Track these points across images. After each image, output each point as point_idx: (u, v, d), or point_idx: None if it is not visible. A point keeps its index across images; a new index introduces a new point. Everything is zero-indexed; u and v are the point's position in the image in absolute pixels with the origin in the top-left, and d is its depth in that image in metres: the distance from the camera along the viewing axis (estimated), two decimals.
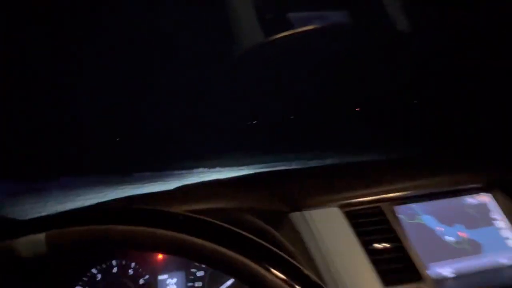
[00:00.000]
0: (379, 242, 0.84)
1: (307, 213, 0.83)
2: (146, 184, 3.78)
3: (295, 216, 0.83)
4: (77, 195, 3.39)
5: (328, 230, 0.81)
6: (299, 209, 0.84)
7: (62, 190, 3.71)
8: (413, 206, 0.96)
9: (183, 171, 5.00)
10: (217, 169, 4.95)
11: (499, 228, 0.96)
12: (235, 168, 5.00)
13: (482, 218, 0.98)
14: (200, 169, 5.00)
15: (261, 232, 0.77)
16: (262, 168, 5.11)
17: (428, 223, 0.95)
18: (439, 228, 0.94)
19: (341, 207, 0.85)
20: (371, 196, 0.89)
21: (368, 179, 0.93)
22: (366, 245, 0.81)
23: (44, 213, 3.21)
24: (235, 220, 0.81)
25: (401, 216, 0.93)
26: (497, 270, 0.89)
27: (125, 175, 4.77)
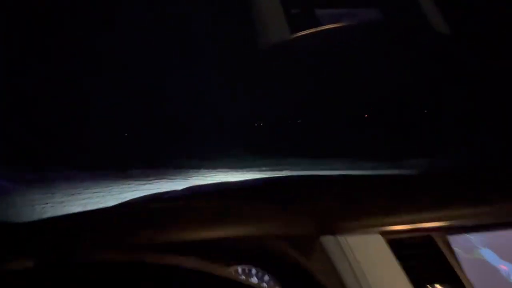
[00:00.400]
0: (432, 281, 0.63)
1: (343, 239, 0.64)
2: (151, 181, 3.81)
3: (328, 241, 0.64)
4: (84, 188, 3.42)
5: (369, 261, 0.63)
6: (332, 232, 0.65)
7: (68, 182, 3.74)
8: (471, 237, 0.72)
9: (189, 170, 4.97)
10: (222, 170, 4.91)
11: None
12: (239, 170, 4.95)
13: None
14: (205, 170, 4.95)
15: (286, 260, 0.63)
16: (267, 171, 5.04)
17: (489, 259, 0.72)
18: (503, 267, 0.71)
19: (384, 233, 0.65)
20: (420, 222, 0.68)
21: (414, 199, 0.73)
22: (416, 284, 0.62)
23: (51, 203, 3.19)
24: (257, 247, 0.63)
25: (457, 249, 0.69)
26: None
27: (128, 170, 4.76)
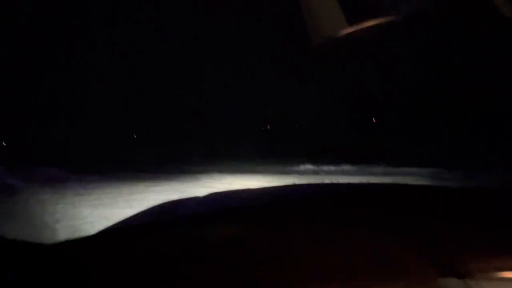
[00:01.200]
0: None
1: (475, 284, 0.52)
2: (162, 183, 3.82)
3: (453, 285, 0.52)
4: (94, 189, 3.45)
5: None
6: (457, 274, 0.53)
7: (79, 183, 3.77)
8: None
9: (198, 173, 4.96)
10: (232, 173, 4.89)
11: None
12: (250, 173, 4.93)
13: None
14: (215, 173, 4.94)
15: None
16: (277, 175, 5.04)
17: None
18: None
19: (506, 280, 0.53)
20: None
21: None
22: None
23: (62, 204, 3.20)
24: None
25: None
26: None
27: (134, 171, 4.76)
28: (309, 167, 5.10)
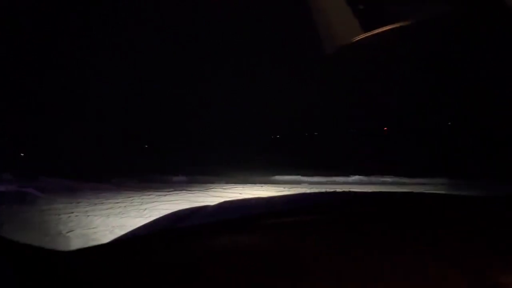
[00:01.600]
0: None
1: None
2: (171, 192, 3.85)
3: None
4: (106, 198, 3.49)
5: None
6: (488, 287, 0.50)
7: (92, 192, 3.83)
8: None
9: (207, 182, 4.97)
10: (241, 183, 4.90)
11: None
12: (258, 183, 4.93)
13: None
14: (224, 182, 4.97)
15: None
16: (286, 184, 5.01)
17: None
18: None
19: None
20: None
21: None
22: None
23: (76, 213, 3.24)
24: None
25: None
26: None
27: (144, 181, 4.81)
28: (320, 177, 5.09)
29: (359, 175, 5.24)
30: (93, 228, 2.71)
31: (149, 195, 4.08)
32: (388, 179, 4.67)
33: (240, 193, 4.06)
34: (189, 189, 4.61)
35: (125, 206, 3.37)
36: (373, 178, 4.85)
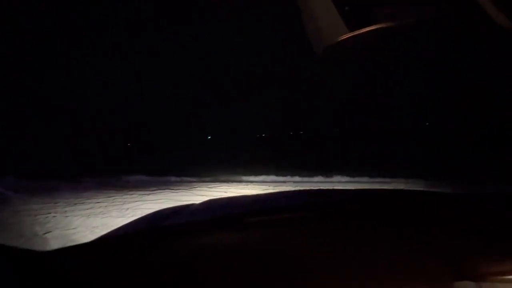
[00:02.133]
0: None
1: (490, 287, 0.51)
2: (154, 191, 3.77)
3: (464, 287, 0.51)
4: (86, 198, 3.38)
5: None
6: (472, 278, 0.52)
7: (71, 192, 3.70)
8: None
9: (192, 181, 4.90)
10: (225, 181, 4.86)
11: None
12: (242, 182, 4.91)
13: None
14: (208, 181, 4.90)
15: None
16: (271, 183, 5.02)
17: None
18: None
19: None
20: None
21: None
22: None
23: (53, 213, 3.13)
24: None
25: None
26: None
27: (131, 180, 4.70)
28: (304, 176, 5.12)
29: (343, 175, 5.31)
30: (73, 228, 2.61)
31: (131, 194, 3.98)
32: (373, 179, 4.74)
33: (225, 192, 4.02)
34: (173, 188, 4.54)
35: (106, 206, 3.27)
36: (358, 178, 4.92)
